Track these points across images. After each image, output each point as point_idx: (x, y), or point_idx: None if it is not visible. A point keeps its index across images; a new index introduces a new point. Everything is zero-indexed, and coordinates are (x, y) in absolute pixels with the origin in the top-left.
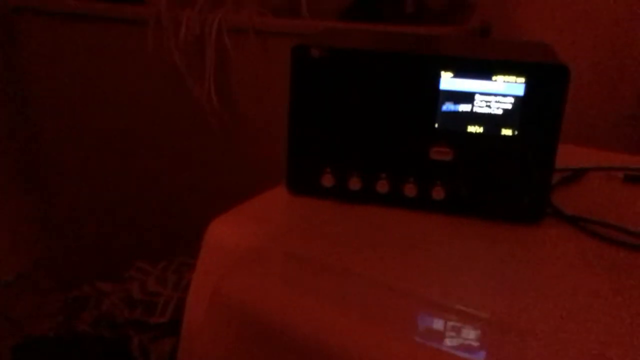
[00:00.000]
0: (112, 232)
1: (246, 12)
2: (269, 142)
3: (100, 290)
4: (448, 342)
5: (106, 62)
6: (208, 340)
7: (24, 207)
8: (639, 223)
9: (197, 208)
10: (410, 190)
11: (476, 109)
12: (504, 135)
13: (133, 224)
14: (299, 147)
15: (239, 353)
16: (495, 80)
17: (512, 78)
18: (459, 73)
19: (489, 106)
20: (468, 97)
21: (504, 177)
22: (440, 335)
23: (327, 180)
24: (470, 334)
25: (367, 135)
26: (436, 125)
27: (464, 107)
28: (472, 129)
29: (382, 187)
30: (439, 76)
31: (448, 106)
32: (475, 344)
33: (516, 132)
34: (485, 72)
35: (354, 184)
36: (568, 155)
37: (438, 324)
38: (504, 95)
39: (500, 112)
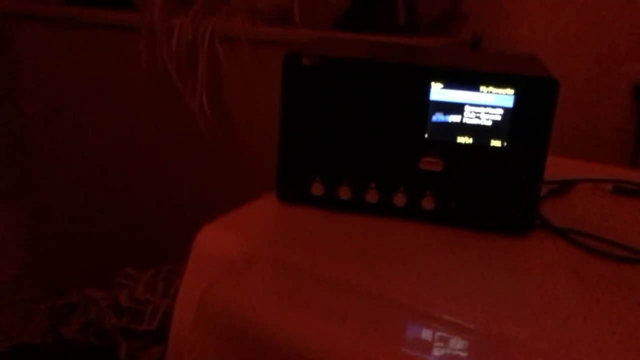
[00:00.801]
0: (101, 239)
1: (239, 21)
2: (260, 150)
3: (89, 297)
4: (435, 352)
5: (97, 69)
6: (196, 348)
7: (12, 214)
8: (627, 235)
9: (187, 215)
10: (399, 200)
11: (466, 120)
12: (493, 147)
13: (122, 231)
14: (289, 155)
15: None
16: (485, 92)
17: (501, 90)
18: (449, 84)
19: (478, 117)
20: (458, 108)
21: (493, 188)
22: (427, 346)
23: (317, 189)
24: (458, 345)
25: (357, 144)
26: (426, 136)
27: (454, 118)
28: (461, 139)
29: (372, 196)
30: (429, 87)
31: (438, 117)
32: (462, 354)
33: (505, 144)
34: (475, 83)
35: (344, 193)
36: (557, 167)
37: (425, 334)
38: (494, 107)
39: (489, 123)
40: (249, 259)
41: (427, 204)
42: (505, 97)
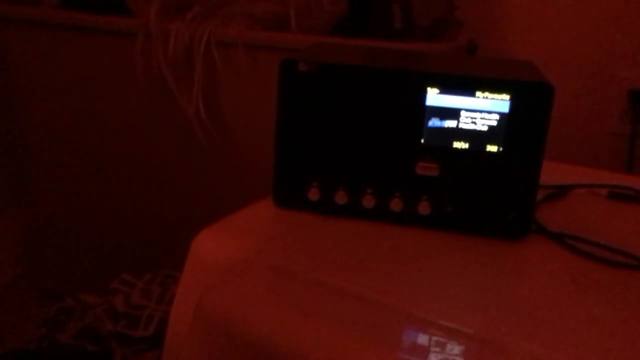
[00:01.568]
0: (97, 244)
1: (235, 26)
2: (256, 155)
3: (84, 303)
4: (431, 357)
5: (93, 74)
6: (191, 354)
7: (8, 219)
8: (622, 240)
9: (184, 220)
10: (396, 205)
11: (462, 125)
12: (489, 152)
13: (118, 236)
14: (286, 160)
15: None
16: (481, 97)
17: (497, 95)
18: (445, 89)
19: (474, 122)
20: (454, 113)
21: (489, 193)
22: (423, 350)
23: (313, 194)
24: (454, 349)
25: (353, 149)
26: (422, 141)
27: (450, 123)
28: (457, 144)
29: (368, 201)
30: (425, 92)
31: (434, 122)
32: (458, 359)
33: (501, 149)
34: (471, 88)
35: (340, 198)
36: (553, 172)
37: (422, 339)
38: (489, 112)
39: (485, 128)
40: (246, 264)
41: (423, 208)
42: (501, 102)
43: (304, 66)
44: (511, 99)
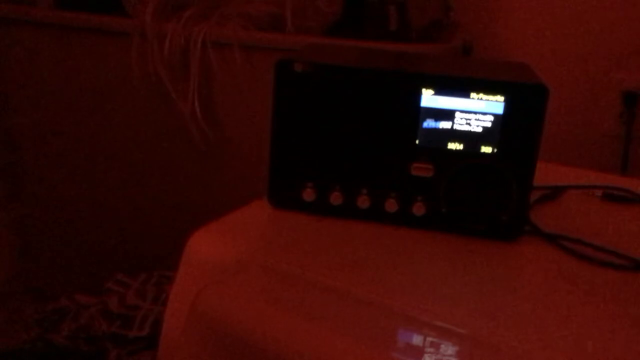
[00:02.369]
0: (92, 244)
1: (231, 27)
2: (252, 156)
3: (79, 303)
4: (425, 357)
5: (89, 74)
6: (186, 355)
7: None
8: (616, 241)
9: (179, 221)
10: (391, 205)
11: (456, 127)
12: (484, 153)
13: (113, 236)
14: (281, 161)
15: None
16: (475, 99)
17: (491, 96)
18: (440, 91)
19: (469, 124)
20: (448, 114)
21: (483, 194)
22: (417, 351)
23: (309, 195)
24: (448, 350)
25: (348, 150)
26: (417, 142)
27: (445, 125)
28: (452, 145)
29: (363, 202)
30: (420, 93)
31: (429, 123)
32: (452, 359)
33: (495, 150)
34: (465, 90)
35: (335, 198)
36: (547, 173)
37: (416, 340)
38: (484, 114)
39: (480, 129)
40: (240, 265)
41: (418, 209)
42: (495, 103)
43: (299, 66)
44: (506, 101)
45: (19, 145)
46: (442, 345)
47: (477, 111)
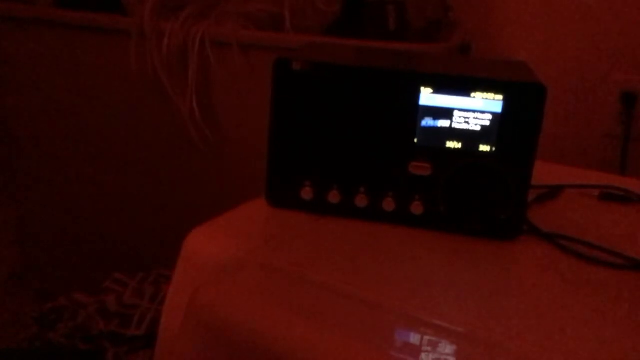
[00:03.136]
0: (90, 243)
1: (230, 26)
2: (250, 155)
3: (76, 302)
4: (423, 356)
5: (87, 73)
6: (183, 353)
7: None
8: (614, 241)
9: (177, 219)
10: (389, 204)
11: (455, 125)
12: (482, 152)
13: (111, 235)
14: (279, 159)
15: None
16: (474, 97)
17: (490, 95)
18: (438, 89)
19: (467, 122)
20: (447, 113)
21: (481, 193)
22: (415, 349)
23: (307, 193)
24: (446, 349)
25: (347, 149)
26: (415, 141)
27: (443, 123)
28: (450, 144)
29: (361, 201)
30: (418, 92)
31: (427, 122)
32: (450, 358)
33: (494, 149)
34: (464, 89)
35: (333, 197)
36: (545, 173)
37: (414, 338)
38: (482, 112)
39: (478, 128)
40: (238, 263)
41: (416, 208)
42: (494, 102)
43: (297, 65)
44: (504, 100)
45: (16, 143)
46: (440, 344)
47: (475, 110)
